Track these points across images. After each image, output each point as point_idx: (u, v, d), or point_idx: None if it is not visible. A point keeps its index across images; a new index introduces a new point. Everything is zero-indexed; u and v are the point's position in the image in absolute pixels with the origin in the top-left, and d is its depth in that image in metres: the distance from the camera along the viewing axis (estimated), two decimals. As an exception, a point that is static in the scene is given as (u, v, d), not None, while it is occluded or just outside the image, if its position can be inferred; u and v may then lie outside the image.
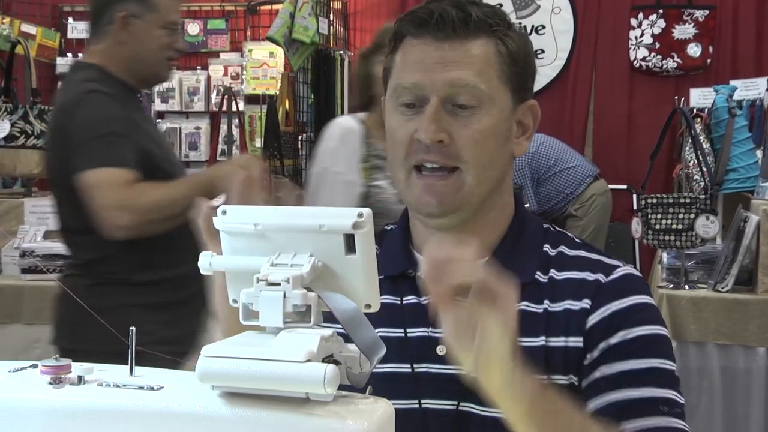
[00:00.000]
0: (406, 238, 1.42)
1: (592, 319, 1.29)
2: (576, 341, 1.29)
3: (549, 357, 1.29)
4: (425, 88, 1.29)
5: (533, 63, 1.38)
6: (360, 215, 0.91)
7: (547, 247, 1.37)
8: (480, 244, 1.33)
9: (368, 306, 0.95)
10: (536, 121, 1.39)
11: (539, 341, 1.29)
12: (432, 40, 1.30)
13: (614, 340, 1.28)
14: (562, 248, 1.38)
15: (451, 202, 1.30)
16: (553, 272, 1.34)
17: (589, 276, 1.33)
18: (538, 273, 1.34)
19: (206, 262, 0.95)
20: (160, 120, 6.57)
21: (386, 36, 1.49)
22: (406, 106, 1.31)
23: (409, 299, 1.37)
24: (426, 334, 1.33)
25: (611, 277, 1.33)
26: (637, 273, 1.37)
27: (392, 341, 1.31)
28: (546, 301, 1.32)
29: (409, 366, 1.32)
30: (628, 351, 1.27)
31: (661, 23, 6.34)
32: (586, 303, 1.30)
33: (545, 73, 6.54)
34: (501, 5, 6.48)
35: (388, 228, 1.49)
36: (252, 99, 6.43)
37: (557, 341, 1.29)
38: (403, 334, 1.34)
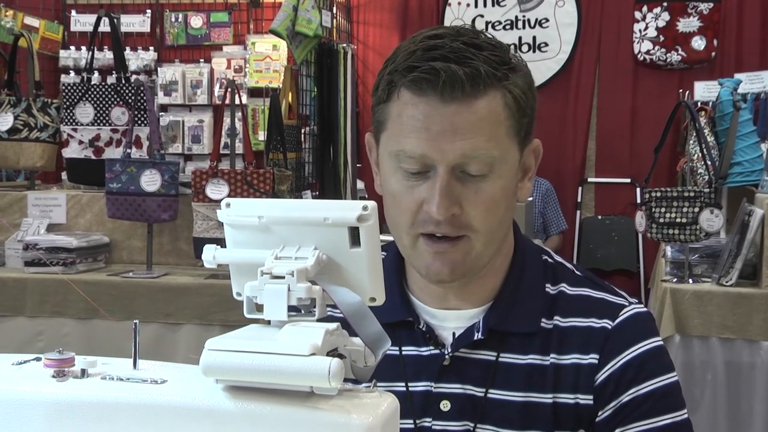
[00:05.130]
0: (401, 281, 1.36)
1: (601, 376, 1.27)
2: (586, 399, 1.27)
3: (558, 414, 1.27)
4: (434, 157, 1.18)
5: (536, 99, 1.27)
6: (365, 208, 0.90)
7: (548, 287, 1.33)
8: (482, 291, 1.32)
9: (373, 299, 0.94)
10: (538, 160, 1.33)
11: (548, 398, 1.27)
12: (437, 101, 1.17)
13: (626, 398, 1.26)
14: (563, 287, 1.33)
15: (461, 270, 1.24)
16: (557, 319, 1.30)
17: (595, 323, 1.29)
18: (543, 320, 1.30)
19: (210, 255, 0.94)
20: (163, 113, 6.56)
21: None
22: (411, 173, 1.21)
23: (409, 350, 1.33)
24: (429, 388, 1.30)
25: (618, 320, 1.29)
26: (643, 309, 1.32)
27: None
28: (552, 354, 1.28)
29: (411, 422, 1.30)
30: (640, 410, 1.26)
31: (666, 16, 6.33)
32: (593, 358, 1.27)
33: (549, 66, 6.54)
34: (505, -2, 6.49)
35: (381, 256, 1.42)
36: (255, 92, 6.43)
37: (567, 398, 1.27)
38: (404, 389, 1.31)
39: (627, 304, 1.32)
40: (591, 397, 1.27)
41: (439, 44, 1.19)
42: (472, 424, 1.28)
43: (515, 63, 1.23)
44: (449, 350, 1.30)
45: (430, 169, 1.20)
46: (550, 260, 1.37)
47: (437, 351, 1.31)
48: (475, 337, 1.29)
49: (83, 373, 0.91)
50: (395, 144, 1.22)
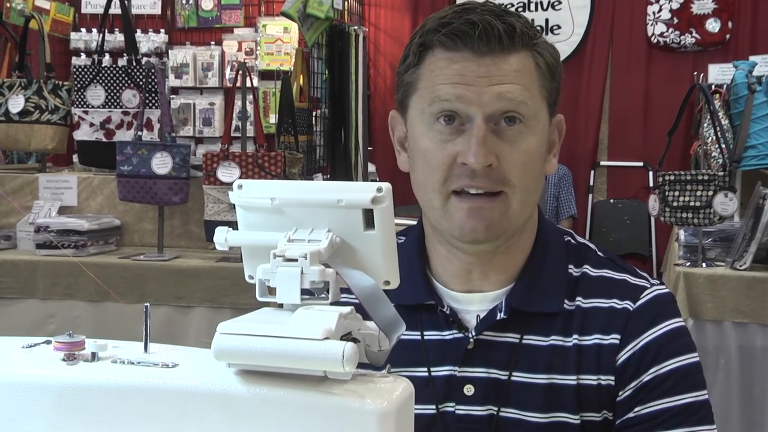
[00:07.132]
0: (422, 262, 1.35)
1: (622, 356, 1.26)
2: (608, 379, 1.26)
3: (582, 395, 1.26)
4: (470, 102, 1.18)
5: (562, 71, 1.30)
6: (379, 190, 0.88)
7: (571, 268, 1.32)
8: (506, 270, 1.31)
9: (387, 282, 0.93)
10: (562, 136, 1.33)
11: (572, 379, 1.26)
12: (471, 55, 1.19)
13: (646, 377, 1.25)
14: (586, 268, 1.32)
15: (498, 227, 1.23)
16: (579, 300, 1.29)
17: (616, 304, 1.28)
18: (565, 301, 1.29)
19: (222, 237, 0.93)
20: (174, 96, 6.55)
21: None
22: (445, 122, 1.21)
23: (431, 334, 1.31)
24: (453, 373, 1.29)
25: (639, 302, 1.28)
26: (665, 290, 1.32)
27: (416, 382, 1.28)
28: (575, 335, 1.27)
29: (433, 407, 1.29)
30: (661, 389, 1.25)
31: (680, -2, 6.28)
32: (615, 338, 1.26)
33: (561, 48, 6.46)
34: (517, -20, 6.45)
35: (399, 241, 1.35)
36: (266, 75, 6.42)
37: (589, 379, 1.26)
38: (427, 374, 1.30)
39: (649, 285, 1.31)
40: (612, 377, 1.26)
41: (471, 6, 1.22)
42: (496, 408, 1.27)
43: (541, 37, 1.27)
44: (473, 333, 1.29)
45: (465, 120, 1.20)
46: (573, 241, 1.37)
47: (461, 335, 1.30)
48: (498, 317, 1.28)
49: (93, 356, 0.90)
50: (429, 93, 1.22)
